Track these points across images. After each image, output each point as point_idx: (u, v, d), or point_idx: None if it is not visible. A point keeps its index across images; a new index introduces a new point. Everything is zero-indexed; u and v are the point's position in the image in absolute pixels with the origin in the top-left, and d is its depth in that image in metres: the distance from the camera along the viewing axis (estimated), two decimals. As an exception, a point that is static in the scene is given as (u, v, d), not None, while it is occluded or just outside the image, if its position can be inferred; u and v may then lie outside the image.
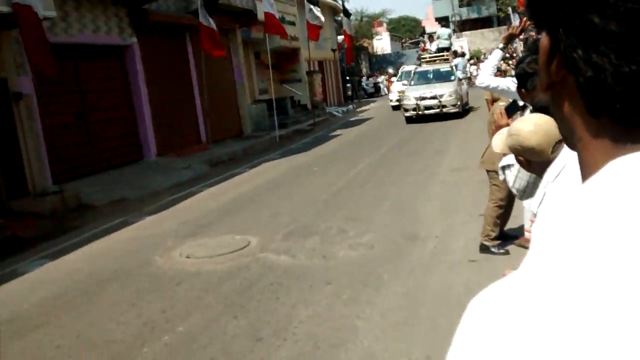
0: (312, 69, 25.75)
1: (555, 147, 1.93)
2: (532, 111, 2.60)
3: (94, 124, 11.79)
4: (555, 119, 0.59)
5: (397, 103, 22.61)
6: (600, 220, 0.46)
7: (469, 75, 24.81)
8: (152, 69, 13.49)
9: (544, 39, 0.54)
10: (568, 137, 0.57)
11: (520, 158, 2.10)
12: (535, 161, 2.04)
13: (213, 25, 13.11)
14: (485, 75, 4.66)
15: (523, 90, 2.90)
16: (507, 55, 32.32)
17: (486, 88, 4.77)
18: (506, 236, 5.59)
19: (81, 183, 10.28)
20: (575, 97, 0.52)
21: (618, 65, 0.47)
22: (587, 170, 0.53)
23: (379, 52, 52.46)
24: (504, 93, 4.73)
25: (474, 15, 51.56)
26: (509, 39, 4.87)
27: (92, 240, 7.37)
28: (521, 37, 23.58)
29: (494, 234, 5.45)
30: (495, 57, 4.70)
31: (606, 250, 0.44)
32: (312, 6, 19.18)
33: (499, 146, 2.42)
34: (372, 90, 37.25)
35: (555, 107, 0.57)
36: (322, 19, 19.72)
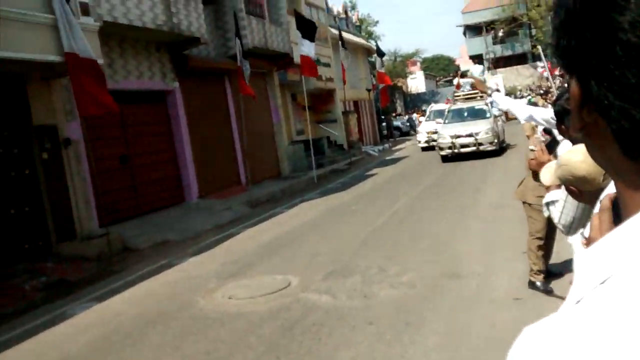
0: (347, 109, 26.05)
1: (606, 175, 1.93)
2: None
3: (138, 167, 12.15)
4: (592, 158, 0.58)
5: (426, 144, 22.33)
6: None
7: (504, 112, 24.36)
8: (193, 112, 13.89)
9: (574, 86, 0.52)
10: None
11: (572, 188, 2.10)
12: (587, 190, 2.04)
13: (245, 70, 13.39)
14: (523, 109, 4.69)
15: (562, 126, 2.91)
16: (542, 91, 32.10)
17: (530, 119, 4.75)
18: (550, 273, 5.50)
19: (125, 226, 10.54)
20: (610, 139, 0.50)
21: None
22: (627, 210, 0.52)
23: (414, 91, 52.75)
24: (549, 123, 4.72)
25: (508, 53, 51.53)
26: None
27: (137, 283, 7.52)
28: (557, 72, 23.41)
29: (536, 267, 5.41)
30: (509, 100, 4.74)
31: None
32: (341, 48, 19.60)
33: (548, 179, 2.43)
34: (408, 128, 37.32)
35: (589, 149, 0.56)
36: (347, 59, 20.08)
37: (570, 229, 2.37)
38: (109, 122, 11.02)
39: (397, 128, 37.06)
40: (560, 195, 2.37)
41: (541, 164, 2.72)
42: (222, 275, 7.34)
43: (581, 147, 2.04)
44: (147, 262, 8.64)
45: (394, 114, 40.12)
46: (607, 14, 0.46)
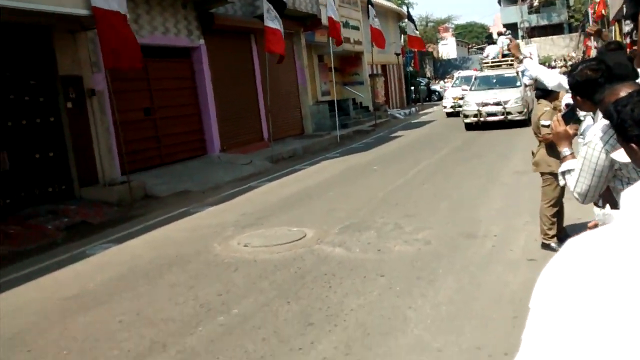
0: (375, 72, 25.72)
1: None
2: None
3: (162, 120, 12.22)
4: None
5: (451, 110, 21.98)
6: None
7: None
8: (218, 69, 13.88)
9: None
10: None
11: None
12: None
13: (278, 26, 13.26)
14: (553, 76, 4.63)
15: (578, 98, 2.66)
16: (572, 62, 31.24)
17: (560, 87, 4.70)
18: (566, 235, 5.44)
19: (147, 175, 10.68)
20: None
21: None
22: None
23: (445, 57, 51.81)
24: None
25: (544, 22, 50.09)
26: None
27: (155, 228, 7.64)
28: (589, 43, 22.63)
29: (552, 233, 5.46)
30: (540, 66, 4.69)
31: None
32: (374, 12, 19.19)
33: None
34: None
35: None
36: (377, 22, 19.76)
37: (586, 197, 2.39)
38: (134, 76, 11.05)
39: (432, 92, 36.51)
40: (575, 164, 2.38)
41: (557, 134, 2.63)
42: (240, 224, 7.41)
43: None
44: (166, 209, 8.76)
45: (427, 79, 39.56)
46: None
